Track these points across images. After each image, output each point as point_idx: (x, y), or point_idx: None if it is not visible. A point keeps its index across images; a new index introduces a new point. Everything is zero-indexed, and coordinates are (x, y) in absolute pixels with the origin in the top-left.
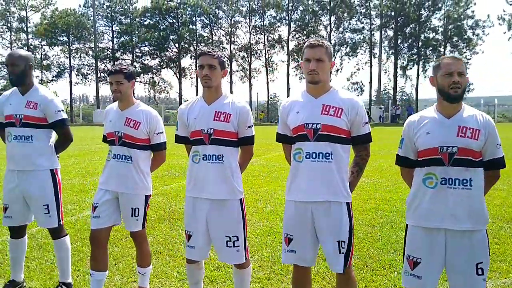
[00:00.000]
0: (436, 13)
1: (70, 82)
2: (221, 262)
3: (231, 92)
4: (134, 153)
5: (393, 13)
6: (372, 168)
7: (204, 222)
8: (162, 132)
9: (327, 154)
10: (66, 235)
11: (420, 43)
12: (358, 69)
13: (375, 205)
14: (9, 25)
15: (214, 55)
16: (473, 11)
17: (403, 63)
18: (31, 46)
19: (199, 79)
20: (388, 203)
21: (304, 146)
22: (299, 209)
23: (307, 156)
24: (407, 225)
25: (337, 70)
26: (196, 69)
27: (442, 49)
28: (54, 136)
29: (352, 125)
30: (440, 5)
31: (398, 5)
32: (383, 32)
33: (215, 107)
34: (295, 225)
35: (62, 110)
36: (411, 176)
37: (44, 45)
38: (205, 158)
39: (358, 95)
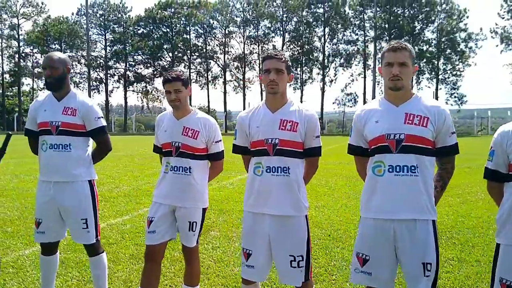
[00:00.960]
0: (429, 26)
1: None
2: (283, 284)
3: (225, 102)
4: (192, 164)
5: (387, 26)
6: None
7: (266, 240)
8: (221, 140)
9: (412, 167)
10: (103, 251)
11: None
12: (353, 80)
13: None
14: (0, 32)
15: (282, 58)
16: (465, 24)
17: None
18: (23, 54)
19: (263, 85)
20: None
21: (385, 159)
22: (379, 228)
23: (390, 170)
24: (497, 245)
25: (331, 81)
26: (260, 74)
27: (435, 61)
28: (91, 144)
29: (438, 135)
30: (433, 18)
31: (392, 17)
32: (377, 44)
33: (281, 115)
34: (374, 245)
35: (102, 117)
36: (500, 191)
37: (36, 52)
38: (268, 170)
39: (351, 107)
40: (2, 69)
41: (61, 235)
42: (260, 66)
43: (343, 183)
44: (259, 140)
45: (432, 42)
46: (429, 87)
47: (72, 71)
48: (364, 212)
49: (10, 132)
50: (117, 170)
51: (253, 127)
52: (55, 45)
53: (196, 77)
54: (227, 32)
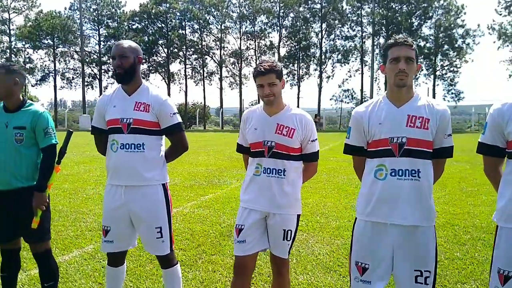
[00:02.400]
0: (427, 22)
1: (55, 86)
2: None
3: (221, 98)
4: (287, 165)
5: (384, 21)
6: None
7: (388, 253)
8: (317, 139)
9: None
10: (178, 262)
11: None
12: (350, 76)
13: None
14: None
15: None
16: (463, 20)
17: None
18: (14, 49)
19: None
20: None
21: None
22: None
23: (393, 174)
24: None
25: (328, 77)
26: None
27: (433, 58)
28: (165, 143)
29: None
30: (431, 13)
31: (389, 13)
32: (374, 40)
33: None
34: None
35: (177, 113)
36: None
37: (28, 48)
38: (394, 174)
39: (348, 102)
40: None
41: (130, 244)
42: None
43: None
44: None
45: (429, 38)
46: (426, 83)
47: (65, 66)
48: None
49: (71, 130)
50: None
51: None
52: (47, 40)
53: (192, 73)
54: (223, 27)
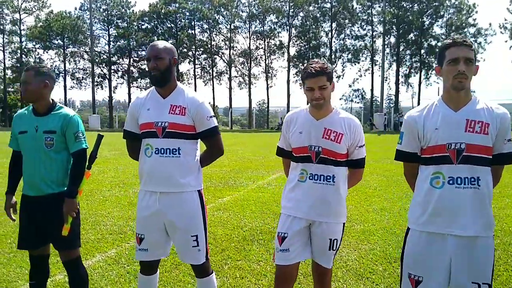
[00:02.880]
0: (438, 21)
1: (65, 86)
2: None
3: (230, 98)
4: (336, 171)
5: (395, 20)
6: None
7: (445, 266)
8: (364, 145)
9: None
10: (213, 271)
11: (422, 51)
12: (360, 76)
13: None
14: (1, 27)
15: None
16: (475, 19)
17: (405, 70)
18: (25, 50)
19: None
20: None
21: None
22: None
23: (451, 182)
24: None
25: (339, 77)
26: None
27: None
28: (200, 148)
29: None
30: (442, 12)
31: (400, 12)
32: (385, 39)
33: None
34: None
35: (214, 116)
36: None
37: (38, 48)
38: (452, 182)
39: (358, 102)
40: (4, 65)
41: (165, 253)
42: (266, 62)
43: (385, 183)
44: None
45: (441, 38)
46: (437, 82)
47: (75, 66)
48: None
49: (101, 134)
50: None
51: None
52: (57, 40)
53: (201, 72)
54: (232, 27)
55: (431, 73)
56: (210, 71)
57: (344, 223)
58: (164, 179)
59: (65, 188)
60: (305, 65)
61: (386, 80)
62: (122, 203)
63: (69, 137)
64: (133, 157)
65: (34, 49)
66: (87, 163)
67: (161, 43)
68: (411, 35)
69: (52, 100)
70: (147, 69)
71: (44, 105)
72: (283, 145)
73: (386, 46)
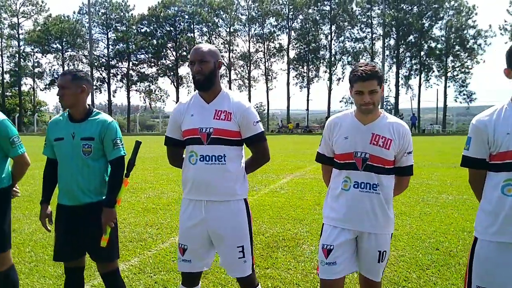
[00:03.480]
0: (438, 23)
1: None
2: None
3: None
4: (382, 179)
5: (394, 22)
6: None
7: None
8: (412, 151)
9: None
10: (259, 283)
11: (422, 53)
12: None
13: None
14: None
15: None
16: (474, 21)
17: (405, 72)
18: (23, 54)
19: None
20: None
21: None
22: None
23: None
24: None
25: (339, 79)
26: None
27: (444, 59)
28: (245, 154)
29: None
30: (441, 14)
31: (400, 15)
32: (385, 41)
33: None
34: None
35: (260, 121)
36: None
37: (36, 52)
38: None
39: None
40: (2, 69)
41: (208, 264)
42: (266, 65)
43: None
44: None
45: (440, 39)
46: (437, 84)
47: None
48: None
49: (139, 140)
50: (150, 173)
51: None
52: (56, 44)
53: None
54: (232, 30)
55: (431, 75)
56: None
57: (391, 234)
58: (209, 187)
59: (103, 197)
60: (353, 67)
61: (386, 82)
62: (136, 209)
63: (107, 144)
64: (174, 165)
65: (32, 53)
66: (125, 171)
67: (206, 46)
68: (411, 37)
69: (89, 105)
70: (190, 72)
71: (81, 110)
72: (324, 151)
73: (385, 48)
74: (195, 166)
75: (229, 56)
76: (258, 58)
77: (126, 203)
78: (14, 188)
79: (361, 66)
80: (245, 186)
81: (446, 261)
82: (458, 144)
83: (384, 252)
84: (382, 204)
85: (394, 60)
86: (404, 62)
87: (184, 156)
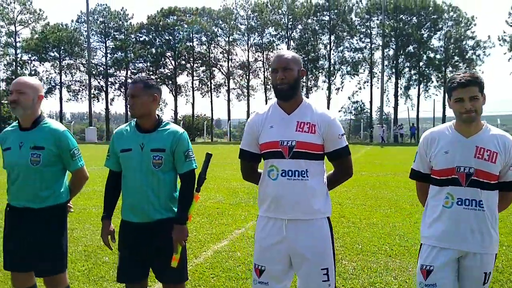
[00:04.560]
0: (436, 33)
1: (61, 98)
2: None
3: (228, 110)
4: (487, 196)
5: (393, 33)
6: None
7: None
8: None
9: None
10: None
11: (421, 63)
12: (360, 88)
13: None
14: None
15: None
16: (473, 32)
17: (404, 82)
18: (20, 62)
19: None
20: None
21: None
22: None
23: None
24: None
25: (338, 89)
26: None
27: (443, 69)
28: (326, 169)
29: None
30: (440, 25)
31: (399, 25)
32: (384, 52)
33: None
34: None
35: (344, 134)
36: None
37: (34, 60)
38: None
39: (357, 114)
40: None
41: (286, 286)
42: (265, 74)
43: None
44: None
45: (439, 50)
46: (436, 95)
47: (71, 79)
48: None
49: (210, 153)
50: None
51: None
52: (53, 52)
53: (199, 84)
54: (231, 39)
55: (430, 85)
56: (208, 83)
57: (496, 254)
58: (292, 205)
59: (173, 214)
60: (452, 75)
61: (385, 92)
62: None
63: (178, 157)
64: (249, 180)
65: (29, 61)
66: (195, 185)
67: (289, 53)
68: (410, 47)
69: (158, 115)
70: (271, 81)
71: (152, 121)
72: (419, 167)
73: (384, 58)
74: (276, 181)
75: (228, 65)
76: (257, 68)
77: None
78: (68, 204)
79: (459, 74)
80: (329, 204)
81: (496, 277)
82: None
83: (490, 274)
84: (489, 221)
85: (393, 70)
86: (403, 72)
87: (259, 170)
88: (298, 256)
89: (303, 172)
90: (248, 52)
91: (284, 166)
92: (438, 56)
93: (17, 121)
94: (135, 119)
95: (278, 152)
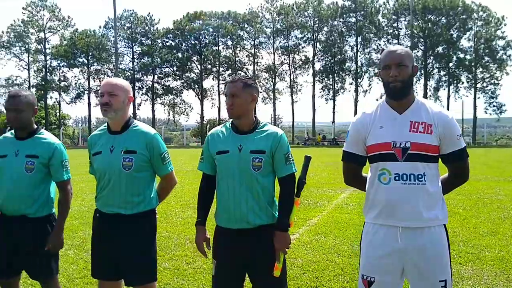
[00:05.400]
0: (465, 34)
1: (89, 104)
2: None
3: (255, 114)
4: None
5: (421, 34)
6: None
7: None
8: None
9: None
10: None
11: (451, 64)
12: None
13: None
14: (26, 46)
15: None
16: (503, 32)
17: (434, 84)
18: (50, 68)
19: None
20: None
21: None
22: None
23: None
24: None
25: (366, 91)
26: None
27: (473, 69)
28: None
29: None
30: (470, 25)
31: (428, 25)
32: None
33: None
34: None
35: (462, 134)
36: None
37: (63, 66)
38: None
39: None
40: (29, 83)
41: None
42: (291, 77)
43: (471, 202)
44: None
45: (469, 51)
46: (467, 96)
47: (99, 84)
48: None
49: (309, 155)
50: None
51: None
52: (82, 58)
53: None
54: (256, 43)
55: (460, 87)
56: None
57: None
58: (408, 212)
59: (272, 219)
60: None
61: (417, 94)
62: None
63: (278, 159)
64: (352, 184)
65: (58, 67)
66: (295, 190)
67: (402, 49)
68: (439, 48)
69: (255, 116)
70: (380, 79)
71: (249, 121)
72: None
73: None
74: (388, 186)
75: (253, 69)
76: (283, 71)
77: (192, 219)
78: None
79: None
80: (445, 210)
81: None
82: (498, 156)
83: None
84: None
85: (422, 71)
86: (432, 73)
87: (364, 173)
88: (415, 267)
89: (420, 176)
90: (274, 55)
91: (398, 169)
92: (468, 57)
93: (106, 125)
94: (231, 120)
95: (391, 154)
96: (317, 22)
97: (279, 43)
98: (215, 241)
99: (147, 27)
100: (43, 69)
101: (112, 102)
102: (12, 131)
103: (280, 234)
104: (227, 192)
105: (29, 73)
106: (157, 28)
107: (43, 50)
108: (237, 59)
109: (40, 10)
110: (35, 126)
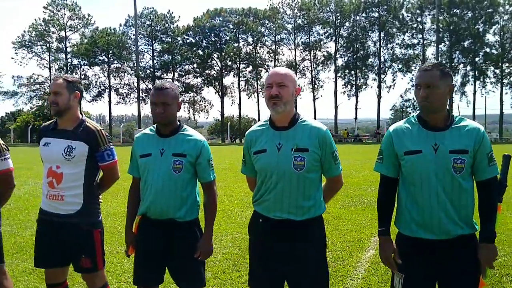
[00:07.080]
0: (491, 28)
1: (109, 102)
2: None
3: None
4: None
5: (446, 28)
6: None
7: None
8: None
9: None
10: None
11: (477, 58)
12: (413, 86)
13: None
14: (48, 45)
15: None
16: None
17: (460, 79)
18: (71, 66)
19: None
20: None
21: None
22: None
23: None
24: None
25: (389, 87)
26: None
27: (500, 64)
28: None
29: None
30: (496, 19)
31: (454, 19)
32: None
33: None
34: None
35: None
36: None
37: (83, 64)
38: None
39: (410, 113)
40: (51, 81)
41: None
42: (312, 73)
43: None
44: None
45: (495, 45)
46: (493, 91)
47: (119, 82)
48: None
49: (508, 154)
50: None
51: None
52: (102, 56)
53: (245, 85)
54: (277, 39)
55: (487, 82)
56: (255, 83)
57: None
58: None
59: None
60: None
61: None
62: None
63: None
64: None
65: (79, 66)
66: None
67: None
68: (465, 42)
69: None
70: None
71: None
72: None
73: (438, 54)
74: None
75: (274, 65)
76: (304, 67)
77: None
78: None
79: None
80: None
81: None
82: None
83: None
84: None
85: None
86: (457, 68)
87: None
88: None
89: None
90: (295, 51)
91: None
92: (494, 51)
93: (155, 127)
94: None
95: None
96: (339, 17)
97: (300, 39)
98: (397, 251)
99: (167, 25)
100: (64, 68)
101: (282, 94)
102: (152, 127)
103: (486, 246)
104: (422, 199)
105: (50, 72)
106: (177, 25)
107: (64, 49)
108: (257, 55)
109: (60, 9)
110: (178, 122)
